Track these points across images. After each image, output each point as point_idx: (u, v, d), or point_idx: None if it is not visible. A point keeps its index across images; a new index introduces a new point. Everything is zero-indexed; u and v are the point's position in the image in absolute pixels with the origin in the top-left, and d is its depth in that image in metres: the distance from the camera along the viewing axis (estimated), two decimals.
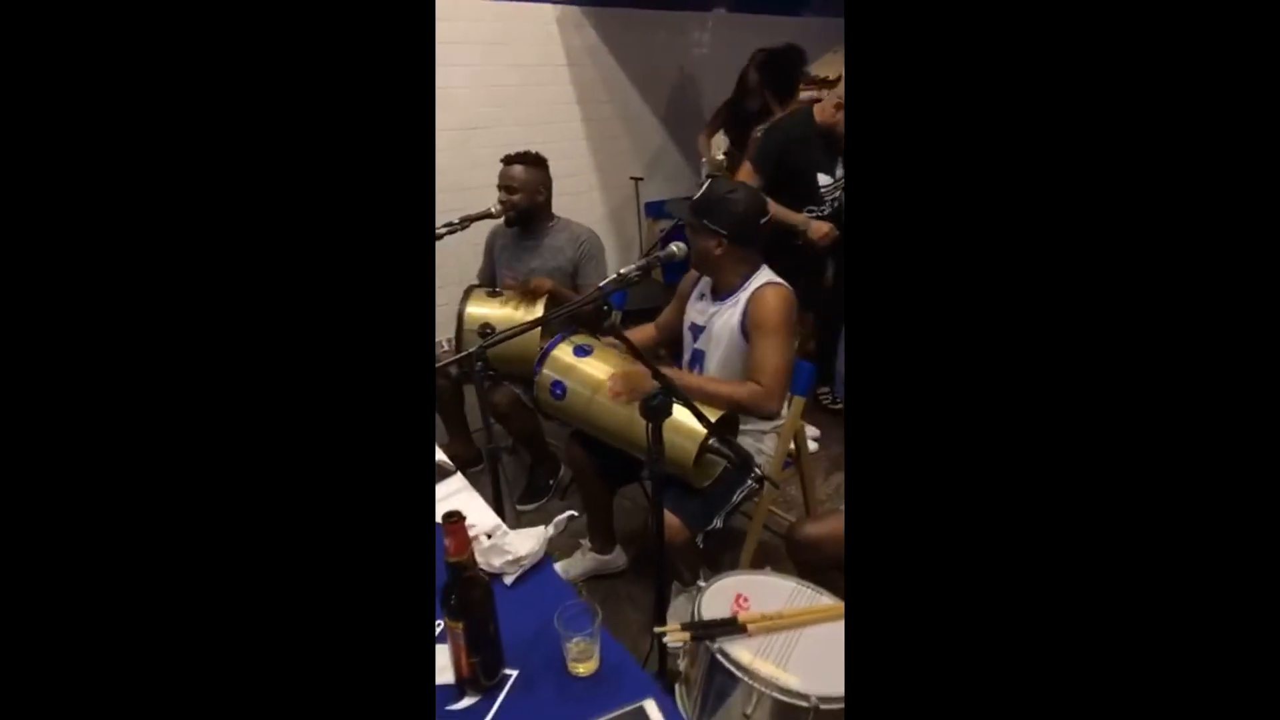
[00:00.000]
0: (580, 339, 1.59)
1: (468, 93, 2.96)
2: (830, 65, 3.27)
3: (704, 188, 1.54)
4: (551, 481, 2.26)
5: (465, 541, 0.74)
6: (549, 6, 3.12)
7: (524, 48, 3.09)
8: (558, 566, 1.84)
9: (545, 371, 1.54)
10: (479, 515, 1.18)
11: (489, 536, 1.05)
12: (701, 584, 1.10)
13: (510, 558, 1.00)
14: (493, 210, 2.07)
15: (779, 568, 1.19)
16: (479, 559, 1.00)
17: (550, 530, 1.07)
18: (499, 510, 1.33)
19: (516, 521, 2.10)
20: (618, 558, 1.89)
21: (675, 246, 1.44)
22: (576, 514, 1.19)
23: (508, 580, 1.00)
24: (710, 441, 1.33)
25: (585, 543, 1.89)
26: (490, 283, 2.24)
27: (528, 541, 1.03)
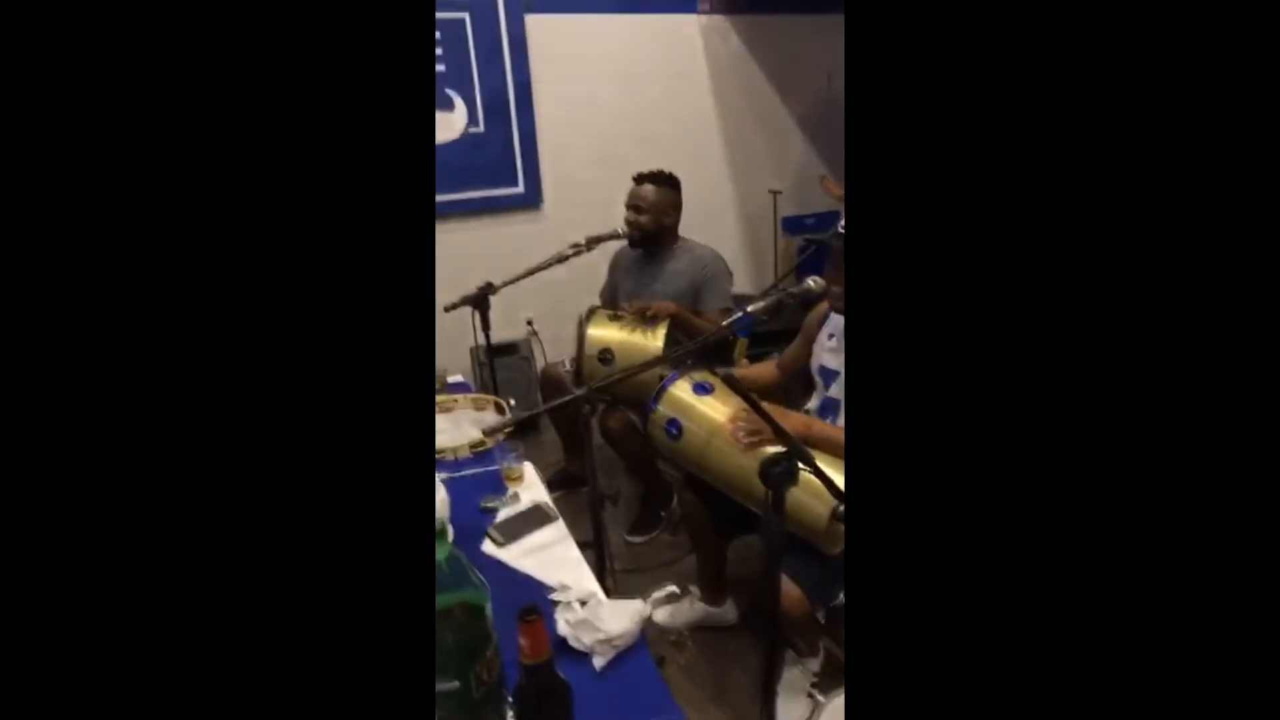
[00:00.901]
0: (701, 375, 1.46)
1: (601, 106, 2.95)
2: None
3: None
4: (663, 513, 2.15)
5: (544, 642, 0.64)
6: (693, 17, 3.04)
7: (667, 60, 3.03)
8: (660, 614, 1.74)
9: (661, 408, 1.43)
10: (575, 575, 1.10)
11: (582, 604, 0.96)
12: (820, 697, 0.93)
13: (602, 636, 0.89)
14: (619, 231, 2.01)
15: None
16: (567, 632, 0.91)
17: (649, 609, 0.96)
18: (600, 564, 1.23)
19: (627, 552, 2.06)
20: (728, 611, 1.74)
21: (813, 281, 1.28)
22: (679, 591, 1.07)
23: (597, 664, 0.89)
24: (841, 509, 1.16)
25: (694, 590, 1.76)
26: (612, 303, 2.19)
27: (623, 618, 0.92)
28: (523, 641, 0.65)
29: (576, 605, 0.95)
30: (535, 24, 2.73)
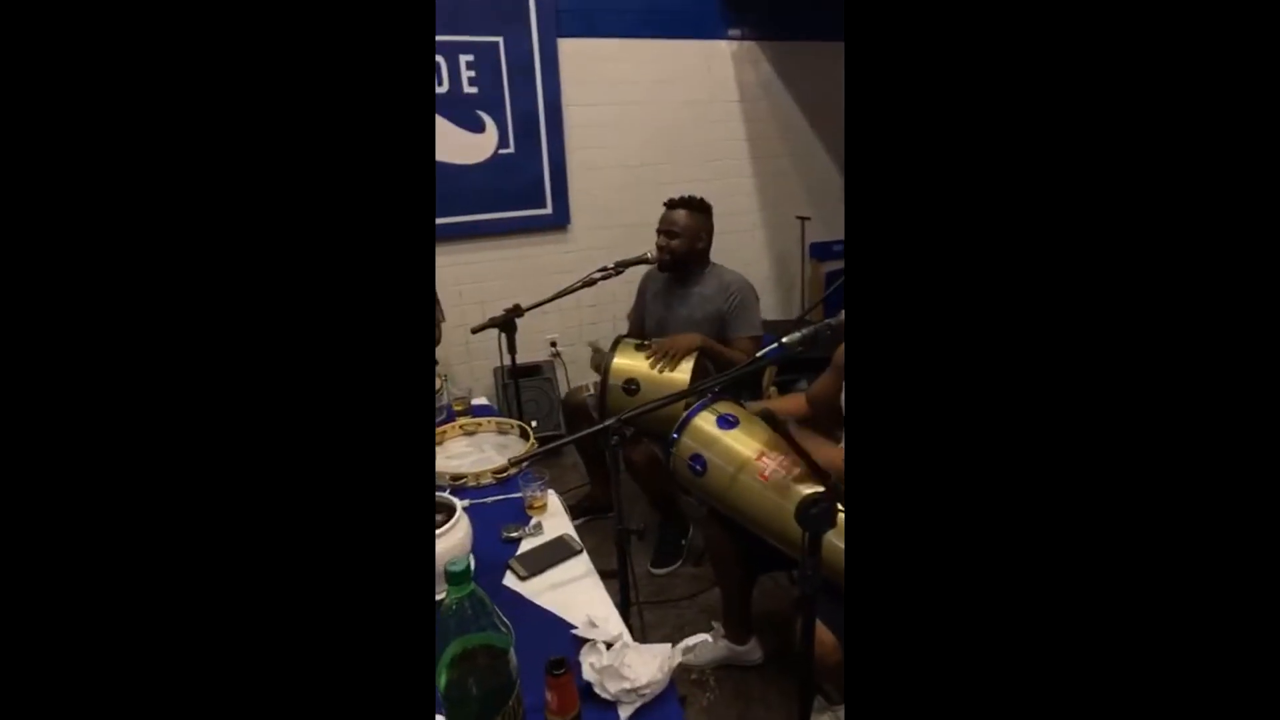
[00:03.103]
0: (725, 407, 1.41)
1: (631, 129, 2.95)
2: None
3: None
4: (683, 542, 2.10)
5: (572, 698, 0.60)
6: (723, 42, 3.05)
7: (697, 84, 3.04)
8: (683, 651, 1.68)
9: (685, 441, 1.39)
10: (600, 610, 1.05)
11: (608, 647, 0.91)
12: None
13: (628, 685, 0.85)
14: (649, 256, 1.99)
15: None
16: (593, 678, 0.86)
17: (678, 656, 0.91)
18: (625, 598, 1.19)
19: (650, 583, 2.01)
20: (753, 650, 1.68)
21: None
22: (711, 639, 1.02)
23: (623, 714, 0.85)
24: None
25: (717, 626, 1.70)
26: (640, 326, 2.16)
27: (650, 666, 0.87)
28: (550, 696, 0.61)
29: (603, 648, 0.91)
30: (567, 47, 2.75)
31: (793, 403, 1.61)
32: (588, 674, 0.87)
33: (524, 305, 1.86)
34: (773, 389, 2.11)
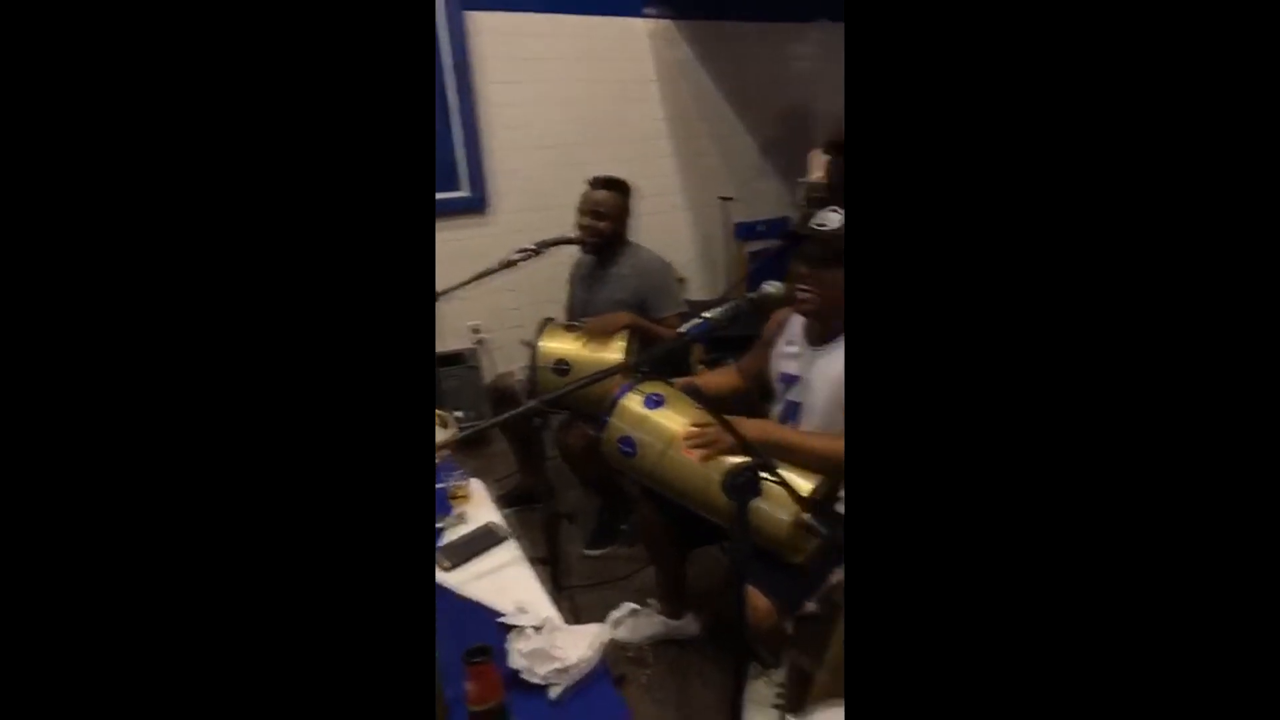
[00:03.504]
0: (651, 387, 1.40)
1: (550, 109, 2.88)
2: None
3: (837, 221, 1.30)
4: (623, 526, 2.09)
5: (493, 686, 0.58)
6: (639, 21, 3.01)
7: (613, 64, 2.99)
8: (619, 630, 1.68)
9: (614, 423, 1.37)
10: (528, 594, 1.03)
11: (536, 630, 0.89)
12: (790, 718, 0.89)
13: (558, 665, 0.83)
14: (572, 236, 1.95)
15: None
16: (521, 664, 0.84)
17: (608, 633, 0.89)
18: (556, 582, 1.16)
19: (584, 566, 1.99)
20: (689, 624, 1.69)
21: (771, 286, 1.24)
22: (639, 607, 1.02)
23: (552, 694, 0.82)
24: (806, 517, 1.12)
25: (653, 602, 1.70)
26: (572, 314, 2.12)
27: (580, 645, 0.85)
28: (469, 686, 0.58)
29: (531, 632, 0.88)
30: (476, 21, 2.64)
31: (725, 378, 1.62)
32: (515, 661, 0.85)
33: (440, 290, 1.79)
34: (701, 367, 2.12)
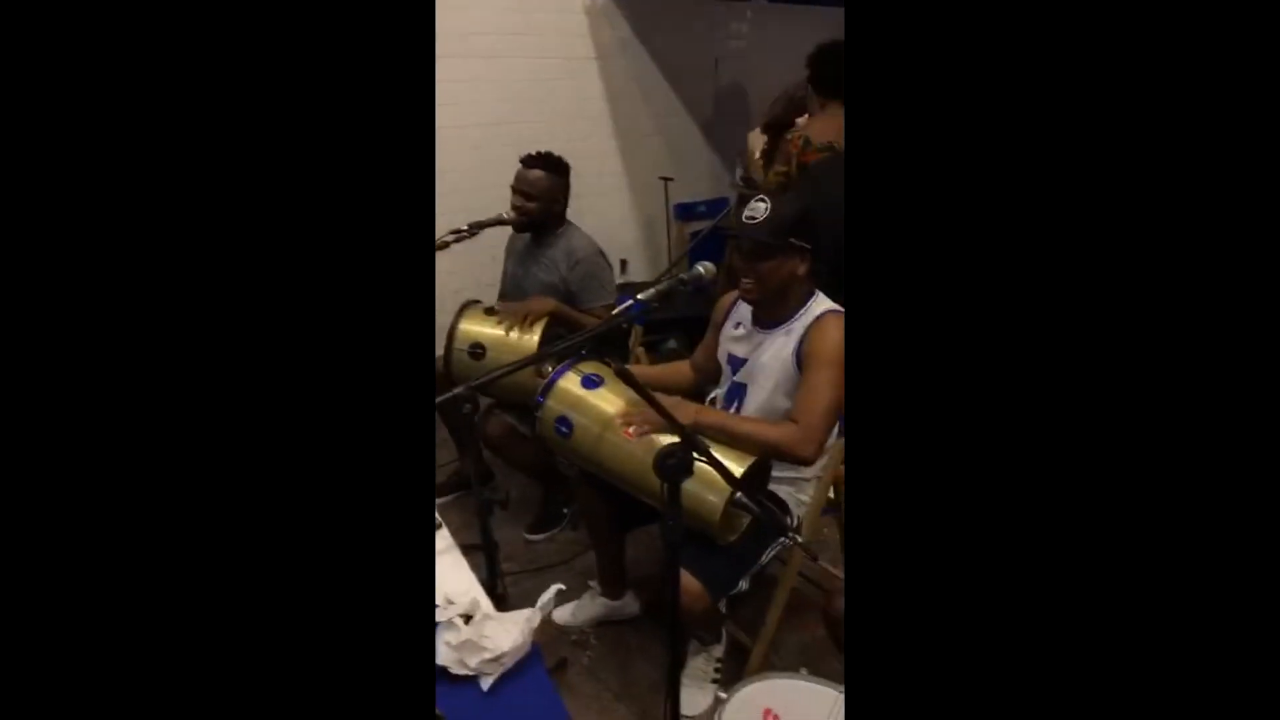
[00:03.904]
0: (589, 367, 1.39)
1: (485, 86, 2.79)
2: None
3: (780, 201, 1.30)
4: (566, 510, 2.08)
5: None
6: None
7: (550, 40, 2.92)
8: (560, 613, 1.68)
9: (550, 404, 1.36)
10: (460, 587, 1.01)
11: (466, 621, 0.88)
12: (721, 693, 0.91)
13: (489, 655, 0.82)
14: (504, 216, 1.90)
15: (820, 660, 1.00)
16: (450, 659, 0.82)
17: (538, 617, 0.89)
18: (491, 570, 1.15)
19: (525, 552, 1.98)
20: (629, 604, 1.71)
21: (702, 267, 1.25)
22: (565, 587, 1.02)
23: (484, 684, 0.82)
24: (738, 496, 1.14)
25: (594, 585, 1.71)
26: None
27: (511, 633, 0.85)
28: None
29: (459, 622, 0.87)
30: None
31: (678, 373, 1.61)
32: (443, 657, 0.83)
33: None
34: (640, 349, 2.11)
